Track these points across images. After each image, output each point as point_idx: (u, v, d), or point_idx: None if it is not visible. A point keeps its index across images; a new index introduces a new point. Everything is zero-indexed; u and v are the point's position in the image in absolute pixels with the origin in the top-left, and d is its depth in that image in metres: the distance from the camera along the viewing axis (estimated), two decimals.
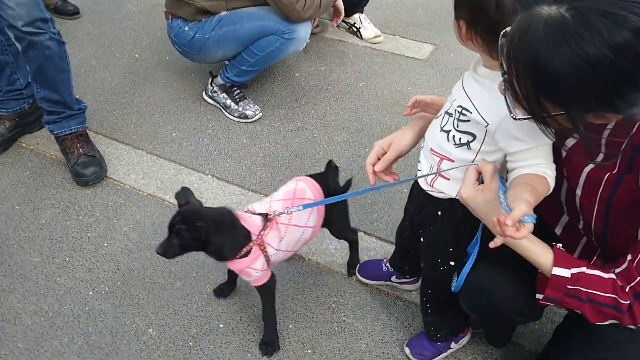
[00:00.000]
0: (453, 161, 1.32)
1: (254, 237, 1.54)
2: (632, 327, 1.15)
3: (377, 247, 2.06)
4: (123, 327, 1.80)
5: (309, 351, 1.74)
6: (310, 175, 1.74)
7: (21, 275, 1.95)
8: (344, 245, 2.05)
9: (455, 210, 1.38)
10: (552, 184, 1.21)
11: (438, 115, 1.38)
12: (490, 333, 1.72)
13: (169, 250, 1.48)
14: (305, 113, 2.72)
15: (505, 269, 1.36)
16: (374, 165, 1.48)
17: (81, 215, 2.17)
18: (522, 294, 1.36)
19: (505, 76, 1.00)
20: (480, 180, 1.24)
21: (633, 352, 1.34)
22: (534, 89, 0.94)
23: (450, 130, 1.30)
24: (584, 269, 1.17)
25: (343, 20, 3.13)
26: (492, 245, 1.14)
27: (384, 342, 1.77)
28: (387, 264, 1.91)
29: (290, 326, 1.81)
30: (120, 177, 2.33)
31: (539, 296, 1.25)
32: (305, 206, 1.52)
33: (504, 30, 1.00)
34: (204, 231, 1.45)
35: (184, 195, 1.56)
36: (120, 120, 2.65)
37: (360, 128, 2.63)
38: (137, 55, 3.12)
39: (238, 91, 2.68)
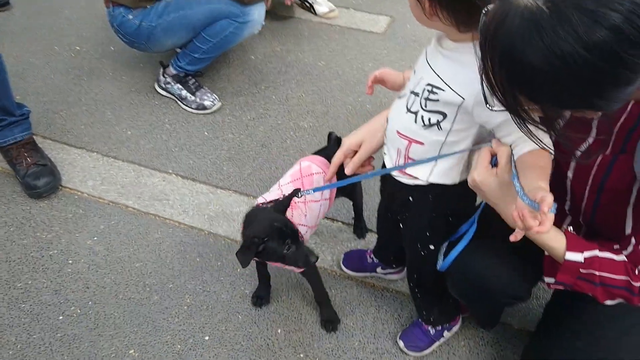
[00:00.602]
0: (423, 144, 1.25)
1: None
2: None
3: (357, 239, 2.00)
4: (101, 352, 1.68)
5: (301, 355, 1.68)
6: (314, 152, 1.73)
7: None
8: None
9: (426, 195, 1.33)
10: (552, 152, 1.13)
11: (402, 94, 1.30)
12: (479, 316, 1.72)
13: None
14: (266, 99, 2.60)
15: (497, 255, 1.34)
16: (338, 165, 1.44)
17: (39, 232, 2.01)
18: (515, 280, 1.35)
19: (480, 67, 0.94)
20: (494, 162, 1.17)
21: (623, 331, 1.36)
22: (509, 82, 0.89)
23: (418, 111, 1.22)
24: (596, 252, 1.14)
25: None
26: (512, 239, 1.06)
27: (376, 336, 1.73)
28: (371, 256, 1.86)
29: (279, 331, 1.74)
30: (76, 185, 2.17)
31: (549, 280, 1.23)
32: (316, 189, 1.48)
33: (485, 9, 0.92)
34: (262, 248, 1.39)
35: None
36: (68, 122, 2.46)
37: (326, 111, 2.54)
38: (78, 48, 2.90)
39: (193, 80, 2.53)
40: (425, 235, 1.42)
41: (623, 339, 1.40)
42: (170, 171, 2.24)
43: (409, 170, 1.30)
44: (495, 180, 1.13)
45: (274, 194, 1.57)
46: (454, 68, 1.15)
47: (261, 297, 1.79)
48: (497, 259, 1.32)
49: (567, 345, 1.42)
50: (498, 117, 1.12)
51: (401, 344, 1.69)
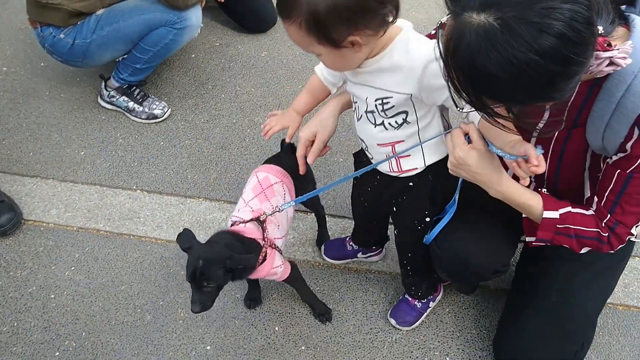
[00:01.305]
0: (403, 141, 1.38)
1: (262, 242, 1.53)
2: (610, 252, 1.32)
3: (332, 225, 2.08)
4: None
5: (302, 348, 1.77)
6: (267, 160, 1.77)
7: None
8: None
9: (426, 177, 1.44)
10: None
11: (359, 117, 1.41)
12: (460, 285, 1.86)
13: (208, 300, 1.46)
14: (215, 98, 2.59)
15: (479, 235, 1.47)
16: (305, 157, 1.54)
17: (12, 271, 1.96)
18: (496, 256, 1.50)
19: (446, 77, 1.04)
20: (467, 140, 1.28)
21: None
22: (474, 90, 1.00)
23: (383, 121, 1.35)
24: (570, 209, 1.30)
25: None
26: (523, 183, 1.21)
27: (368, 318, 1.84)
28: (350, 243, 1.95)
29: (277, 328, 1.81)
30: (39, 217, 2.12)
31: (530, 239, 1.37)
32: (296, 201, 1.59)
33: (439, 21, 1.06)
34: (236, 260, 1.42)
35: (186, 238, 1.48)
36: (14, 151, 2.37)
37: (278, 103, 2.57)
38: (5, 68, 2.76)
39: (138, 90, 2.48)
40: (423, 211, 1.52)
41: (592, 286, 1.58)
42: (135, 187, 2.22)
43: (404, 166, 1.42)
44: (475, 153, 1.24)
45: (245, 212, 1.59)
46: (385, 76, 1.27)
47: (254, 299, 1.85)
48: (478, 239, 1.46)
49: (543, 302, 1.58)
50: (442, 95, 1.24)
51: (393, 321, 1.80)
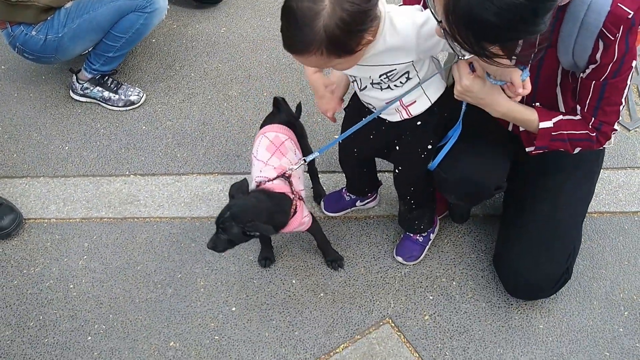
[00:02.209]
0: (409, 92, 1.52)
1: (292, 196, 1.66)
2: (600, 148, 1.55)
3: (324, 180, 2.19)
4: (143, 354, 1.79)
5: (321, 295, 1.90)
6: (267, 120, 1.86)
7: (2, 355, 1.79)
8: None
9: (432, 112, 1.58)
10: None
11: (362, 87, 1.55)
12: (455, 214, 2.04)
13: (218, 244, 1.60)
14: (186, 78, 2.64)
15: (479, 155, 1.64)
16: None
17: (25, 269, 1.99)
18: (497, 173, 1.67)
19: (446, 33, 1.19)
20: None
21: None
22: (475, 39, 1.15)
23: (389, 85, 1.50)
24: (561, 117, 1.50)
25: None
26: (514, 100, 1.43)
27: (376, 258, 1.98)
28: (347, 194, 2.08)
29: (294, 281, 1.93)
30: (40, 214, 2.14)
31: (529, 149, 1.58)
32: (321, 151, 1.72)
33: None
34: (255, 227, 1.56)
35: (237, 188, 1.62)
36: None
37: (247, 75, 2.64)
38: None
39: (111, 80, 2.50)
40: (428, 141, 1.66)
41: (576, 192, 1.78)
42: (128, 173, 2.27)
43: (413, 112, 1.56)
44: (479, 81, 1.41)
45: (268, 170, 1.69)
46: (384, 56, 1.40)
47: (268, 258, 1.96)
48: (479, 159, 1.63)
49: (534, 216, 1.77)
50: (438, 48, 1.39)
51: (400, 259, 1.96)
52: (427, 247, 1.98)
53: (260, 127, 1.85)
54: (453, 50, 1.29)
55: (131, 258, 2.01)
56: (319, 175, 2.12)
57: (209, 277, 1.95)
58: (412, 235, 1.96)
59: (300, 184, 1.75)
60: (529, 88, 1.35)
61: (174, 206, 2.15)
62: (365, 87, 1.53)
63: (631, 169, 2.23)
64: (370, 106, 1.62)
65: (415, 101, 1.54)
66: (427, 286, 1.91)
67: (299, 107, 1.99)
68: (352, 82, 1.59)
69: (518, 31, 1.13)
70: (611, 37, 1.31)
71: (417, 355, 1.76)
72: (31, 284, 1.95)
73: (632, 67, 1.41)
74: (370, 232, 2.05)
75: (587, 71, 1.41)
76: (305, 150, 1.92)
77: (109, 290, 1.93)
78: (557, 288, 1.80)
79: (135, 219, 2.12)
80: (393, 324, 1.82)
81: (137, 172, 2.27)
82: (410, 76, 1.48)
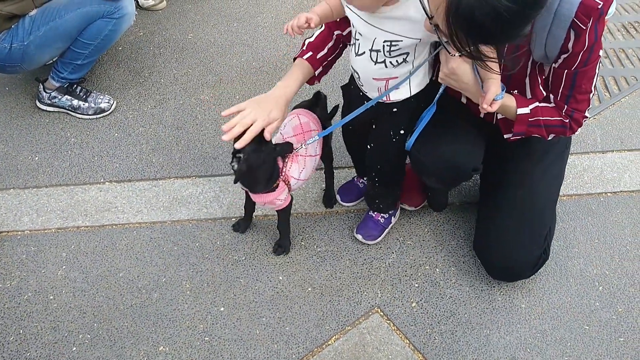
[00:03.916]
0: (397, 77, 1.56)
1: (281, 175, 1.70)
2: (571, 134, 1.64)
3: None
4: None
5: (309, 289, 1.91)
6: (303, 104, 1.89)
7: None
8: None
9: (409, 102, 1.63)
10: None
11: (360, 53, 1.56)
12: (433, 202, 2.09)
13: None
14: (156, 84, 2.62)
15: (456, 138, 1.70)
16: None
17: (0, 283, 1.92)
18: (473, 155, 1.74)
19: (438, 30, 1.29)
20: None
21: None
22: (472, 41, 1.23)
23: (385, 60, 1.52)
24: (537, 104, 1.58)
25: None
26: (483, 112, 1.48)
27: (359, 251, 2.01)
28: (361, 180, 2.11)
29: (281, 277, 1.94)
30: (12, 227, 2.07)
31: (507, 135, 1.65)
32: (320, 135, 1.75)
33: None
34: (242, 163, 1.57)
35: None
36: None
37: (217, 79, 2.64)
38: None
39: (80, 87, 2.46)
40: (400, 126, 1.70)
41: (548, 174, 1.86)
42: (102, 180, 2.23)
43: (392, 97, 1.59)
44: (466, 65, 1.47)
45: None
46: (396, 24, 1.44)
47: (240, 225, 2.05)
48: (456, 141, 1.69)
49: (510, 201, 1.84)
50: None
51: (359, 237, 2.01)
52: (387, 229, 2.03)
53: (294, 108, 1.87)
54: (447, 50, 1.37)
55: (112, 265, 1.97)
56: (334, 179, 2.12)
57: (194, 279, 1.93)
58: (373, 215, 2.01)
59: (298, 173, 1.77)
60: (494, 109, 1.45)
61: (153, 211, 2.12)
62: (364, 52, 1.53)
63: (593, 153, 2.34)
64: (356, 75, 1.62)
65: (398, 88, 1.58)
66: (411, 274, 1.95)
67: (335, 108, 1.97)
68: (352, 44, 1.58)
69: (512, 35, 1.22)
70: (582, 27, 1.40)
71: (408, 342, 1.79)
72: (8, 297, 1.89)
73: (600, 55, 1.50)
74: (352, 225, 2.08)
75: (559, 61, 1.50)
76: (329, 149, 1.99)
77: (92, 298, 1.89)
78: (536, 269, 1.87)
79: (114, 226, 2.08)
80: (382, 313, 1.85)
81: (113, 179, 2.23)
82: (407, 59, 1.51)
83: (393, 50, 1.49)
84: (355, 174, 2.16)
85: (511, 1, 1.14)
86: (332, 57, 1.76)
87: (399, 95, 1.61)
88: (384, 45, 1.48)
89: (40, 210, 2.13)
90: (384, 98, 1.61)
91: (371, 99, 1.64)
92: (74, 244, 2.03)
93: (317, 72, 1.74)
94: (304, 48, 1.73)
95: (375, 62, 1.53)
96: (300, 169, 1.77)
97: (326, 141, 1.93)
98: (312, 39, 1.74)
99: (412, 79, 1.57)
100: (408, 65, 1.53)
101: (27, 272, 1.95)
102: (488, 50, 1.29)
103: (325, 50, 1.72)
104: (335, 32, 1.71)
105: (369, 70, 1.57)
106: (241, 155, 1.55)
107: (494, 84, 1.43)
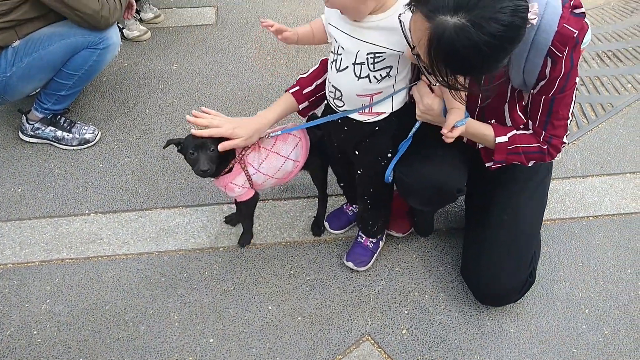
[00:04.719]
0: (381, 92, 1.59)
1: (236, 157, 1.76)
2: (551, 160, 1.68)
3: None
4: None
5: (299, 318, 1.90)
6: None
7: None
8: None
9: (391, 121, 1.65)
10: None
11: (341, 68, 1.58)
12: (419, 227, 2.11)
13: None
14: (141, 114, 2.62)
15: (440, 160, 1.73)
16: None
17: None
18: (458, 176, 1.76)
19: (419, 60, 1.34)
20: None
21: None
22: (451, 71, 1.30)
23: (368, 74, 1.55)
24: (515, 132, 1.63)
25: None
26: (448, 141, 1.53)
27: (348, 278, 2.01)
28: (351, 207, 2.12)
29: (270, 307, 1.93)
30: None
31: (488, 164, 1.69)
32: (283, 131, 1.80)
33: (399, 14, 1.37)
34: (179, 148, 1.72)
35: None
36: None
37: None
38: None
39: (64, 119, 2.45)
40: (387, 149, 1.72)
41: (532, 200, 1.89)
42: (87, 212, 2.20)
43: (375, 110, 1.62)
44: (439, 100, 1.53)
45: None
46: (382, 35, 1.48)
47: (232, 219, 2.16)
48: (440, 164, 1.72)
49: (495, 227, 1.86)
50: None
51: (350, 264, 2.01)
52: (376, 254, 2.05)
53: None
54: (427, 79, 1.41)
55: (98, 298, 1.94)
56: (325, 210, 2.15)
57: (182, 311, 1.91)
58: (362, 241, 2.02)
59: (255, 160, 1.80)
60: (451, 137, 1.50)
61: (140, 242, 2.10)
62: (346, 67, 1.55)
63: (574, 178, 2.40)
64: (337, 93, 1.63)
65: (380, 102, 1.61)
66: (401, 301, 1.95)
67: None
68: (332, 62, 1.60)
69: (490, 66, 1.29)
70: (559, 54, 1.45)
71: None
72: None
73: (576, 83, 1.56)
74: (341, 253, 2.08)
75: (537, 87, 1.55)
76: (318, 171, 2.02)
77: (77, 332, 1.85)
78: (522, 293, 1.89)
79: (100, 258, 2.05)
80: (373, 341, 1.84)
81: (98, 211, 2.21)
82: (390, 73, 1.53)
83: (377, 62, 1.51)
84: (344, 202, 2.17)
85: (490, 36, 1.20)
86: (321, 94, 1.79)
87: (381, 108, 1.62)
88: (367, 58, 1.51)
89: (24, 243, 2.09)
90: (367, 110, 1.62)
91: (350, 118, 1.66)
92: (58, 277, 1.99)
93: (301, 107, 1.79)
94: (294, 83, 1.80)
95: (359, 77, 1.55)
96: (260, 160, 1.80)
97: (312, 152, 1.91)
98: (304, 76, 1.78)
99: (395, 96, 1.59)
100: (391, 79, 1.55)
101: (10, 307, 1.91)
102: (466, 81, 1.35)
103: (313, 86, 1.78)
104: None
105: (352, 87, 1.58)
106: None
107: (456, 112, 1.50)
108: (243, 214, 2.01)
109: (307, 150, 1.88)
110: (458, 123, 1.50)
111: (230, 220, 2.16)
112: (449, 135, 1.50)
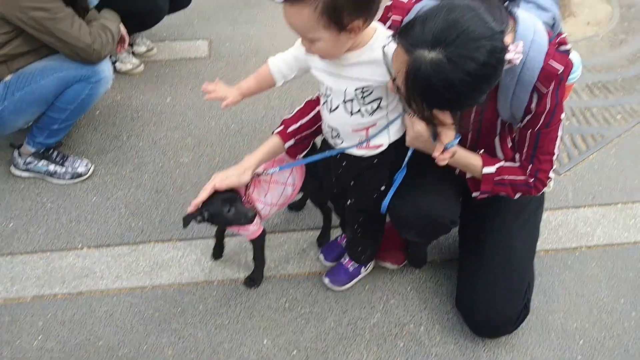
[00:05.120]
0: (375, 124, 1.61)
1: (243, 198, 1.76)
2: (537, 194, 1.69)
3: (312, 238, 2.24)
4: None
5: (294, 352, 1.88)
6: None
7: None
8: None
9: (389, 154, 1.67)
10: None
11: (333, 108, 1.61)
12: (413, 259, 2.12)
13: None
14: (135, 147, 2.63)
15: (433, 192, 1.74)
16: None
17: None
18: (451, 207, 1.78)
19: (399, 92, 1.37)
20: None
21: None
22: (427, 105, 1.34)
23: (360, 109, 1.57)
24: (502, 163, 1.66)
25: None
26: (441, 164, 1.54)
27: (343, 311, 2.00)
28: (345, 239, 2.13)
29: (265, 341, 1.91)
30: None
31: (475, 194, 1.71)
32: (281, 167, 1.81)
33: (384, 46, 1.40)
34: (206, 216, 1.71)
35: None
36: None
37: (197, 142, 2.67)
38: None
39: (57, 152, 2.44)
40: (382, 182, 1.73)
41: (524, 231, 1.92)
42: (80, 246, 2.19)
43: (372, 144, 1.63)
44: (430, 127, 1.52)
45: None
46: (365, 69, 1.50)
47: (216, 251, 2.16)
48: (433, 195, 1.73)
49: (488, 258, 1.88)
50: None
51: (326, 280, 2.05)
52: (355, 280, 2.06)
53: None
54: (405, 110, 1.46)
55: (91, 333, 1.91)
56: (330, 223, 2.18)
57: (176, 346, 1.89)
58: (344, 262, 2.04)
59: (263, 196, 1.83)
60: (443, 159, 1.52)
61: (133, 276, 2.09)
62: (337, 107, 1.57)
63: (566, 208, 2.42)
64: (334, 133, 1.65)
65: (377, 135, 1.63)
66: (396, 333, 1.94)
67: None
68: (324, 104, 1.63)
69: (464, 102, 1.34)
70: (544, 91, 1.48)
71: None
72: None
73: (561, 119, 1.59)
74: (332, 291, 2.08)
75: (524, 122, 1.58)
76: (313, 193, 2.09)
77: None
78: (517, 324, 1.89)
79: (93, 293, 2.03)
80: None
81: (91, 245, 2.20)
82: (381, 105, 1.55)
83: (366, 96, 1.53)
84: (339, 234, 2.18)
85: (466, 74, 1.23)
86: (308, 133, 1.80)
87: (379, 140, 1.64)
88: (356, 94, 1.53)
89: (15, 279, 2.07)
90: (364, 144, 1.64)
91: (349, 153, 1.68)
92: (50, 312, 1.97)
93: (286, 145, 1.78)
94: (279, 123, 1.81)
95: (352, 114, 1.57)
96: (264, 193, 1.84)
97: (308, 174, 1.94)
98: (288, 116, 1.81)
99: (391, 125, 1.61)
100: (383, 111, 1.57)
101: (1, 344, 1.88)
102: (443, 115, 1.38)
103: (298, 124, 1.78)
104: (316, 108, 1.77)
105: (346, 123, 1.61)
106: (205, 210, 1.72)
107: (447, 133, 1.49)
108: (257, 250, 2.00)
109: (302, 173, 1.92)
110: (448, 145, 1.50)
111: (215, 254, 2.16)
112: (441, 158, 1.51)
